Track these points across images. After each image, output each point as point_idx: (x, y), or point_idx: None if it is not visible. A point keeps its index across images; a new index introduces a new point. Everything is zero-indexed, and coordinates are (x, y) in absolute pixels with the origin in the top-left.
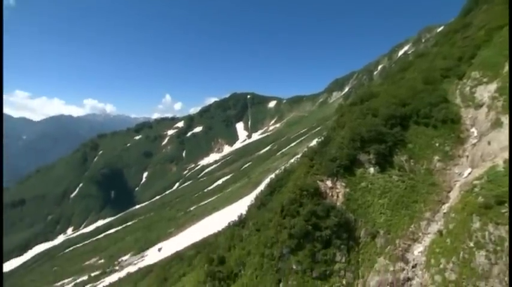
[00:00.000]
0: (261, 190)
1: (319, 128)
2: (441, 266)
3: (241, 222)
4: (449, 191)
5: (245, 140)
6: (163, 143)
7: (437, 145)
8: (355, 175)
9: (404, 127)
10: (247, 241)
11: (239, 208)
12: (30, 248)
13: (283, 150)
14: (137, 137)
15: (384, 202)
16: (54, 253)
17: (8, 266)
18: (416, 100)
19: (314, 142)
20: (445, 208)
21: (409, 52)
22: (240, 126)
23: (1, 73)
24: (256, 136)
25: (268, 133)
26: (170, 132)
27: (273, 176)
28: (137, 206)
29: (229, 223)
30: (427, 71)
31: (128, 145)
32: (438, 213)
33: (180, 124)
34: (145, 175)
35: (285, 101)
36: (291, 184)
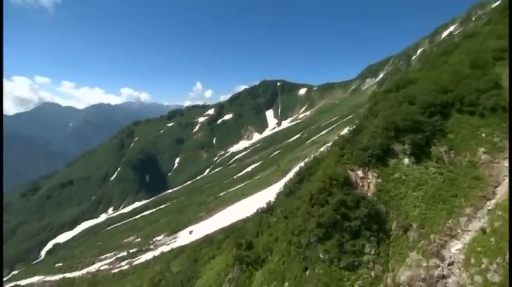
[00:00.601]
0: (290, 178)
1: (350, 117)
2: (483, 266)
3: (269, 209)
4: (496, 187)
5: (275, 127)
6: (195, 130)
7: (483, 135)
8: (388, 166)
9: (444, 116)
10: (275, 227)
11: (267, 195)
12: (79, 224)
13: (313, 138)
14: (170, 124)
15: (418, 194)
16: (98, 229)
17: (61, 238)
18: (461, 86)
19: (345, 131)
20: (490, 204)
21: (455, 33)
22: (269, 113)
23: (1, 72)
24: (285, 124)
25: (298, 121)
26: (201, 119)
27: (302, 164)
28: (170, 190)
29: (257, 210)
30: (476, 53)
31: (161, 131)
32: (481, 209)
33: (211, 112)
34: (177, 160)
35: (315, 88)
36: (321, 173)
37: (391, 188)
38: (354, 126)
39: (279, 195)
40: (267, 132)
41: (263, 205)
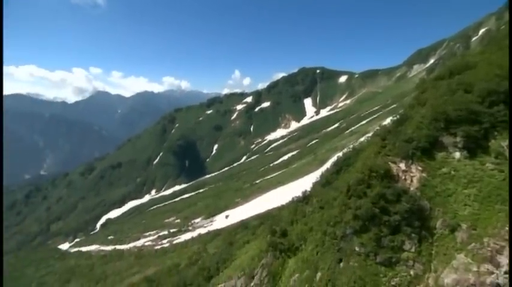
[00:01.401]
0: (327, 168)
1: (394, 106)
2: None
3: (305, 198)
4: None
5: (313, 116)
6: (233, 117)
7: None
8: (434, 159)
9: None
10: (310, 217)
11: (303, 184)
12: (126, 203)
13: (353, 128)
14: (209, 112)
15: (470, 192)
16: (142, 208)
17: (112, 214)
18: None
19: (387, 121)
20: None
21: None
22: (308, 102)
23: (1, 72)
24: (324, 113)
25: (337, 110)
26: (239, 107)
27: (340, 154)
28: (208, 176)
29: (293, 198)
30: None
31: (201, 118)
32: None
33: (249, 99)
34: (215, 147)
35: (357, 75)
36: (359, 164)
37: (437, 183)
38: (398, 116)
39: (315, 185)
40: (305, 121)
41: (299, 193)
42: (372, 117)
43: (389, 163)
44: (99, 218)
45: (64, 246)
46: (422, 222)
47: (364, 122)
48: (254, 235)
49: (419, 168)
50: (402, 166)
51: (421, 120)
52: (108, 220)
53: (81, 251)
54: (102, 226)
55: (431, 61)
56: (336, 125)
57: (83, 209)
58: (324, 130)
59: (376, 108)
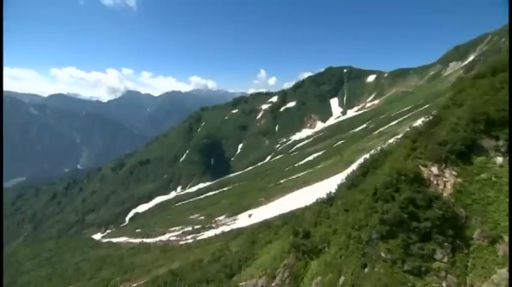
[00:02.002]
0: (353, 170)
1: (426, 106)
2: None
3: (329, 200)
4: None
5: (339, 116)
6: (258, 117)
7: None
8: (472, 164)
9: None
10: (334, 219)
11: (328, 185)
12: (153, 198)
13: (381, 129)
14: (234, 111)
15: None
16: (168, 204)
17: (140, 208)
18: None
19: (419, 122)
20: None
21: None
22: (334, 102)
23: (1, 71)
24: (351, 113)
25: (365, 110)
26: (264, 106)
27: (367, 156)
28: (232, 174)
29: (317, 199)
30: None
31: (226, 117)
32: None
33: (274, 99)
34: (240, 146)
35: (386, 74)
36: (387, 166)
37: (475, 190)
38: (430, 117)
39: (340, 186)
40: (331, 121)
41: (323, 195)
42: (402, 118)
43: (420, 166)
44: (128, 211)
45: (97, 236)
46: (457, 231)
47: (393, 123)
48: (277, 235)
49: (454, 173)
50: (434, 170)
51: (457, 121)
52: (136, 214)
53: (111, 242)
54: (131, 219)
55: (470, 58)
56: (364, 125)
57: (113, 203)
58: (351, 131)
59: (407, 108)
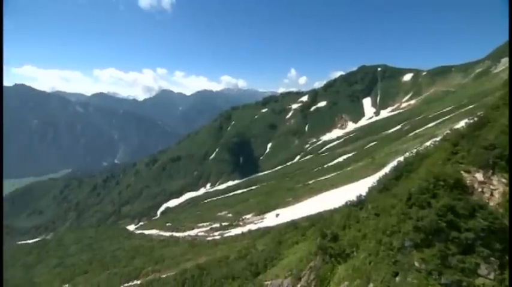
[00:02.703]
0: (385, 173)
1: (471, 107)
2: None
3: (359, 203)
4: None
5: (372, 117)
6: (288, 116)
7: None
8: None
9: None
10: (364, 223)
11: (358, 188)
12: (183, 194)
13: (417, 131)
14: (264, 110)
15: None
16: (197, 200)
17: (171, 203)
18: None
19: (462, 124)
20: None
21: None
22: (367, 102)
23: (1, 71)
24: (385, 113)
25: (400, 111)
26: (294, 106)
27: (401, 159)
28: (260, 173)
29: (346, 202)
30: None
31: (256, 117)
32: None
33: (304, 98)
34: (269, 145)
35: (425, 73)
36: (424, 171)
37: None
38: (476, 119)
39: (371, 190)
40: (363, 121)
41: (353, 198)
42: (442, 119)
43: (462, 171)
44: (159, 205)
45: (131, 227)
46: (506, 245)
47: (431, 124)
48: (304, 236)
49: (504, 180)
50: (479, 176)
51: (507, 123)
52: (167, 208)
53: (144, 233)
54: (162, 213)
55: None
56: (398, 127)
57: (146, 196)
58: (384, 132)
59: (448, 109)
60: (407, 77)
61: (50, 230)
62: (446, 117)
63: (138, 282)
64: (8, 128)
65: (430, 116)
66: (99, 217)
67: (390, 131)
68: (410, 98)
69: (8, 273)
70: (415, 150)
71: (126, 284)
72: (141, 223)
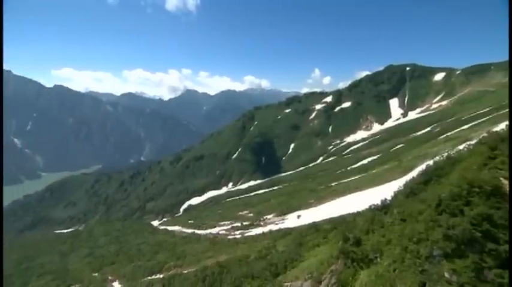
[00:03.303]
0: (413, 177)
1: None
2: None
3: (384, 207)
4: None
5: (399, 118)
6: (311, 117)
7: None
8: None
9: None
10: (389, 229)
11: (383, 191)
12: (206, 192)
13: (449, 133)
14: (287, 111)
15: None
16: (219, 199)
17: (193, 201)
18: None
19: (501, 126)
20: None
21: None
22: (394, 102)
23: (1, 71)
24: (413, 115)
25: (430, 112)
26: (318, 106)
27: (430, 162)
28: (283, 174)
29: (370, 206)
30: None
31: (279, 117)
32: None
33: (328, 99)
34: (292, 146)
35: (459, 72)
36: (456, 176)
37: None
38: None
39: (397, 194)
40: (390, 123)
41: (377, 201)
42: (477, 121)
43: (501, 178)
44: (182, 203)
45: (155, 223)
46: None
47: (465, 126)
48: (325, 239)
49: None
50: None
51: None
52: (190, 206)
53: (167, 229)
54: (185, 210)
55: None
56: (428, 129)
57: (170, 194)
58: (412, 134)
59: (484, 110)
60: (439, 76)
61: (82, 222)
62: (483, 119)
63: (161, 276)
64: (48, 127)
65: (464, 117)
66: (126, 212)
67: (419, 133)
68: (442, 99)
69: (46, 258)
70: (446, 154)
71: (149, 277)
72: (164, 219)
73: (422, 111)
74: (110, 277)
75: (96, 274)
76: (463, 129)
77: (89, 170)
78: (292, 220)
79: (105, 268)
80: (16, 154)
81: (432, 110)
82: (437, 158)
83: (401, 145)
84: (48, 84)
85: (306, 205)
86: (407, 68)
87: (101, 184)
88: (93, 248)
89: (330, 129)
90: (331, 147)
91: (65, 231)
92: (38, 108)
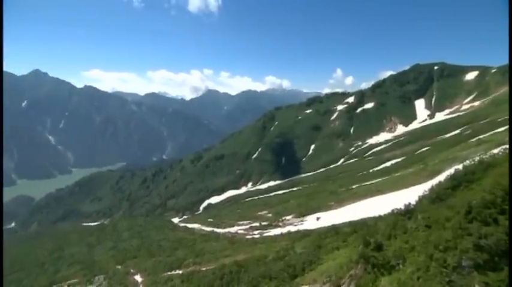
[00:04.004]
0: (439, 181)
1: None
2: None
3: (407, 212)
4: None
5: (425, 120)
6: (332, 118)
7: None
8: None
9: None
10: (413, 235)
11: (407, 196)
12: (225, 191)
13: (481, 136)
14: (308, 111)
15: None
16: (238, 199)
17: (213, 200)
18: None
19: None
20: None
21: None
22: (420, 103)
23: (1, 72)
24: (441, 116)
25: (460, 113)
26: (340, 107)
27: (459, 167)
28: (302, 175)
29: (392, 210)
30: None
31: (299, 117)
32: None
33: (350, 99)
34: (312, 147)
35: (494, 70)
36: (489, 181)
37: None
38: None
39: (421, 198)
40: (415, 125)
41: (400, 206)
42: None
43: None
44: (202, 201)
45: (175, 220)
46: None
47: (500, 129)
48: (345, 242)
49: None
50: None
51: None
52: (209, 204)
53: (187, 226)
54: (204, 209)
55: None
56: (457, 131)
57: (190, 192)
58: (440, 137)
59: None
60: (471, 75)
61: (107, 216)
62: None
63: (180, 272)
64: (78, 125)
65: (499, 119)
66: (148, 208)
67: (447, 135)
68: (474, 99)
69: (75, 249)
70: (477, 158)
71: (169, 272)
72: (184, 217)
73: (451, 113)
74: (132, 270)
75: (120, 267)
76: (498, 132)
77: (114, 167)
78: (311, 222)
79: (128, 261)
80: (50, 150)
81: (462, 111)
82: (468, 162)
83: (427, 147)
84: (79, 84)
85: (326, 207)
86: (436, 67)
87: (125, 180)
88: (117, 241)
89: (351, 130)
90: (352, 148)
91: (92, 224)
92: (69, 108)
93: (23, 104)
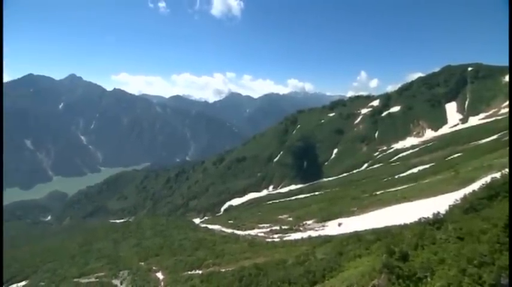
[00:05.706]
0: (473, 190)
1: None
2: None
3: (436, 221)
4: None
5: (457, 124)
6: (356, 121)
7: None
8: None
9: None
10: (442, 246)
11: (435, 204)
12: (246, 194)
13: None
14: (331, 115)
15: None
16: (259, 201)
17: (234, 202)
18: None
19: None
20: None
21: None
22: (451, 107)
23: (1, 73)
24: (475, 121)
25: (497, 117)
26: (364, 111)
27: (497, 175)
28: (324, 179)
29: (420, 219)
30: None
31: (322, 121)
32: None
33: (375, 103)
34: (335, 151)
35: None
36: None
37: None
38: None
39: (452, 208)
40: (445, 129)
41: (428, 214)
42: None
43: None
44: (223, 203)
45: (196, 220)
46: None
47: None
48: (368, 250)
49: None
50: None
51: None
52: (230, 206)
53: (207, 227)
54: (225, 210)
55: None
56: (494, 137)
57: (212, 193)
58: (473, 142)
59: None
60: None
61: (132, 214)
62: None
63: (200, 272)
64: (107, 126)
65: None
66: (170, 208)
67: (482, 141)
68: None
69: (102, 244)
70: None
71: (189, 272)
72: (205, 218)
73: (486, 117)
74: (154, 268)
75: (142, 263)
76: None
77: (139, 167)
78: (333, 228)
79: (150, 258)
80: (82, 149)
81: (500, 115)
82: (506, 170)
83: (459, 153)
84: (109, 88)
85: (348, 213)
86: (470, 69)
87: (149, 180)
88: (140, 239)
89: (376, 134)
90: (377, 153)
91: (118, 221)
92: (100, 110)
93: (60, 106)
